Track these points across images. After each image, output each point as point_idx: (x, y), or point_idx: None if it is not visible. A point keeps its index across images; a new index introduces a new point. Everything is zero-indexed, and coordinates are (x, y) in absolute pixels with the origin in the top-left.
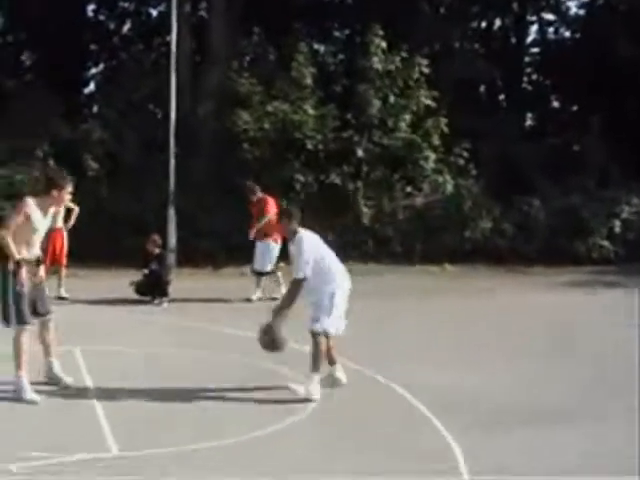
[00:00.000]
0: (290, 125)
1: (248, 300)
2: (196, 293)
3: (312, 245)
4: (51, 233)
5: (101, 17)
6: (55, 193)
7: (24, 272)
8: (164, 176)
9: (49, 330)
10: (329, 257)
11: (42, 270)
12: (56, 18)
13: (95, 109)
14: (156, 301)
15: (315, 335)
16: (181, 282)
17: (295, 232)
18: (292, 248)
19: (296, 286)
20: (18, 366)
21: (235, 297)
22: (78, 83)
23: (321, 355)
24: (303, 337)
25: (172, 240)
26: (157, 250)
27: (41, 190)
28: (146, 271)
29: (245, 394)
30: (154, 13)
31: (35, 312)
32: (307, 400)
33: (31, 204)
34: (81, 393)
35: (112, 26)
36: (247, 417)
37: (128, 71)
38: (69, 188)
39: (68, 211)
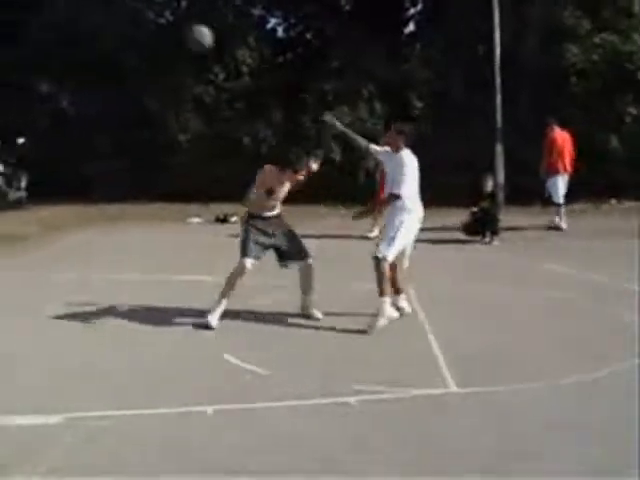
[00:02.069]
0: (620, 56)
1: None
2: (524, 230)
3: (412, 167)
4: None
5: None
6: (289, 172)
7: (250, 221)
8: (490, 113)
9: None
10: (415, 185)
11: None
12: None
13: (417, 48)
14: (486, 239)
15: (377, 261)
16: (509, 220)
17: (399, 148)
18: (391, 162)
19: (391, 200)
20: (222, 295)
21: (564, 234)
22: (398, 24)
23: (385, 280)
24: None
25: (500, 177)
26: (489, 188)
27: (283, 164)
28: (475, 209)
29: (570, 335)
30: None
31: (283, 257)
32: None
33: (268, 172)
34: (416, 329)
35: None
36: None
37: (448, 9)
38: (303, 172)
39: None
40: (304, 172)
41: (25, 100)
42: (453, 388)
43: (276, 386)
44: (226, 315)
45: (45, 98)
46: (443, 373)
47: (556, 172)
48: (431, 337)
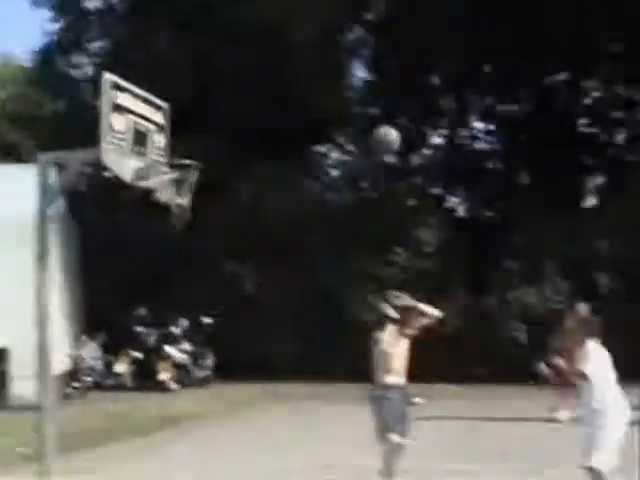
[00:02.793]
0: None
1: None
2: None
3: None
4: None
5: (594, 130)
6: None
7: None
8: None
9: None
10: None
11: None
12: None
13: (600, 222)
14: None
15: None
16: None
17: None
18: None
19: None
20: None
21: None
22: (577, 197)
23: None
24: None
25: None
26: None
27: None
28: None
29: None
30: None
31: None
32: None
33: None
34: None
35: (605, 137)
36: None
37: (631, 179)
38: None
39: None
40: (413, 324)
41: (211, 281)
42: None
43: None
44: None
45: (229, 279)
46: None
47: None
48: None
